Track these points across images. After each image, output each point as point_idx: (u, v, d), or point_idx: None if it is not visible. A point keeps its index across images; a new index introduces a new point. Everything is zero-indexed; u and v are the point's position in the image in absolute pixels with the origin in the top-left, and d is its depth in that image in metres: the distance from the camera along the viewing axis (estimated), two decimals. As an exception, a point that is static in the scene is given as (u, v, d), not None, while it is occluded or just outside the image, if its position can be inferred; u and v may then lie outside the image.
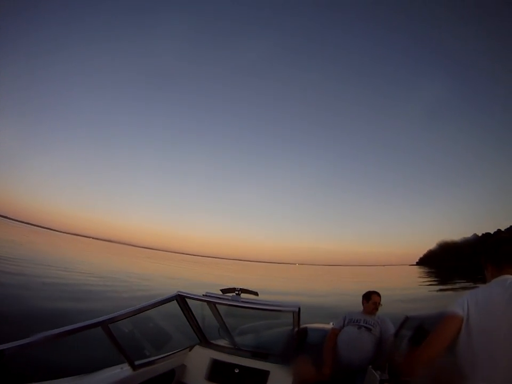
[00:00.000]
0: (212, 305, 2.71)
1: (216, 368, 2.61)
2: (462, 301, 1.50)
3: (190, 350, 2.78)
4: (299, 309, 2.32)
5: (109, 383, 2.14)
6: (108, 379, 2.18)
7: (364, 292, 3.91)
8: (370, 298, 3.77)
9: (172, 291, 2.57)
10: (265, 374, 2.49)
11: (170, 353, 2.65)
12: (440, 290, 28.59)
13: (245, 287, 2.54)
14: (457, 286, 30.66)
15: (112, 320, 2.20)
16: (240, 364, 2.57)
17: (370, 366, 2.55)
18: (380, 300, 3.79)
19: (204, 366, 2.62)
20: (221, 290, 2.63)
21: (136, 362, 2.30)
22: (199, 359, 2.68)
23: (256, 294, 2.58)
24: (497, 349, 1.34)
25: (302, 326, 3.67)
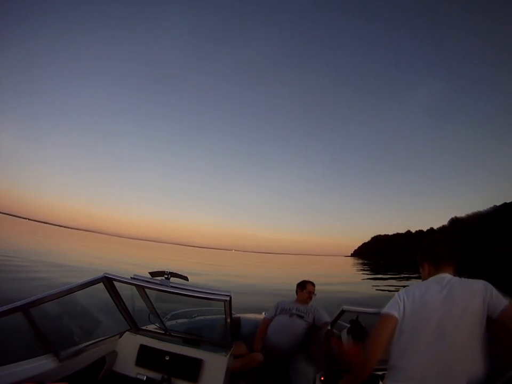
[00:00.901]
0: (141, 289, 2.52)
1: (147, 354, 2.49)
2: (398, 301, 1.65)
3: (120, 337, 2.66)
4: (230, 298, 2.18)
5: (30, 376, 1.92)
6: (28, 372, 1.94)
7: (298, 281, 4.24)
8: (305, 287, 4.09)
9: (100, 273, 2.40)
10: (199, 362, 2.39)
11: (99, 339, 2.49)
12: (373, 280, 29.17)
13: (175, 271, 2.38)
14: (388, 277, 32.07)
15: (34, 303, 2.02)
16: (171, 351, 2.46)
17: (303, 353, 2.84)
18: (314, 289, 4.12)
19: (134, 352, 2.52)
20: (150, 273, 2.42)
21: (62, 352, 2.15)
22: (129, 346, 2.58)
23: (186, 278, 2.41)
24: (422, 344, 1.51)
25: (235, 315, 4.04)
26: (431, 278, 1.74)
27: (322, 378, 2.36)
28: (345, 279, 29.16)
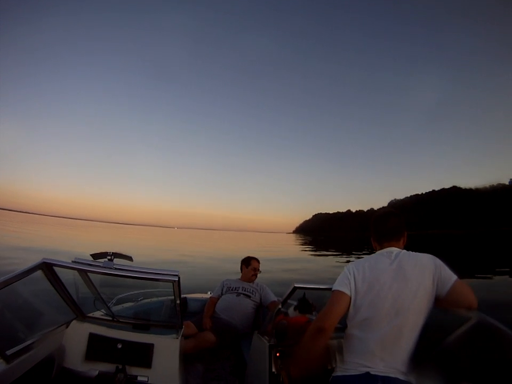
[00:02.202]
0: (83, 273, 2.43)
1: (97, 343, 2.39)
2: (348, 276, 1.70)
3: (66, 327, 2.51)
4: (179, 278, 2.13)
5: None
6: None
7: (242, 258, 4.28)
8: (250, 264, 4.10)
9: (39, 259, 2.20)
10: (149, 347, 2.35)
11: (46, 331, 2.33)
12: (317, 257, 29.97)
13: (118, 252, 2.30)
14: (331, 253, 32.76)
15: None
16: (121, 338, 2.39)
17: (256, 331, 2.69)
18: (259, 266, 4.16)
19: (84, 343, 2.41)
20: (92, 255, 2.33)
21: (8, 352, 1.97)
22: (77, 336, 2.45)
23: (130, 259, 2.35)
24: (381, 320, 1.57)
25: (182, 295, 3.40)
26: (379, 251, 1.80)
27: (278, 354, 2.31)
28: (289, 256, 29.39)
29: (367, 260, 1.77)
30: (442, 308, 1.65)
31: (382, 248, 1.81)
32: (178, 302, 2.38)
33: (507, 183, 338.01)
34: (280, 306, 2.63)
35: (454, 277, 1.61)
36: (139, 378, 2.28)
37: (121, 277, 2.19)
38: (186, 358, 2.89)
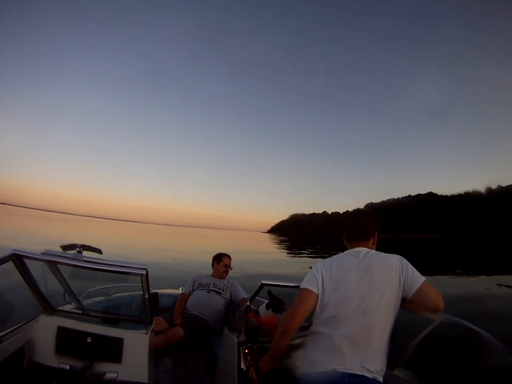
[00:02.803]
0: (53, 265, 2.40)
1: (66, 337, 2.38)
2: (316, 274, 1.74)
3: (36, 321, 2.49)
4: (147, 271, 2.15)
5: None
6: None
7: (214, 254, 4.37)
8: (221, 260, 4.18)
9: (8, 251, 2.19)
10: (119, 341, 2.35)
11: (15, 327, 2.33)
12: (290, 255, 30.48)
13: (87, 244, 2.32)
14: (305, 253, 32.69)
15: None
16: (91, 331, 2.38)
17: (226, 328, 2.75)
18: (231, 263, 4.26)
19: (53, 337, 2.40)
20: (61, 247, 2.32)
21: None
22: (46, 330, 2.43)
23: (99, 251, 2.37)
24: (348, 318, 1.61)
25: (152, 291, 4.19)
26: (347, 251, 1.85)
27: (246, 350, 2.38)
28: (262, 254, 30.18)
29: (335, 260, 1.81)
30: (409, 309, 1.70)
31: (351, 248, 1.86)
32: (147, 296, 2.33)
33: (483, 191, 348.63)
34: (248, 303, 2.65)
35: (422, 279, 1.67)
36: (108, 374, 2.27)
37: (90, 269, 2.17)
38: (157, 353, 2.95)
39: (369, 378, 1.52)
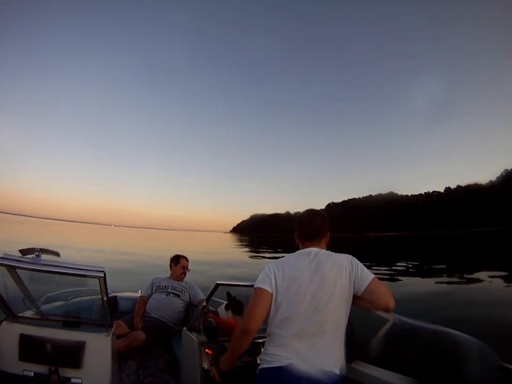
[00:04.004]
0: (12, 270, 2.40)
1: (28, 344, 2.37)
2: (269, 274, 1.80)
3: None
4: (104, 274, 2.20)
5: None
6: None
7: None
8: (179, 262, 4.25)
9: None
10: (81, 344, 2.35)
11: None
12: (251, 255, 31.64)
13: (46, 247, 2.33)
14: (267, 254, 33.47)
15: None
16: (52, 337, 2.36)
17: (185, 328, 2.79)
18: (188, 264, 4.32)
19: (15, 344, 2.38)
20: (20, 251, 2.35)
21: None
22: (8, 338, 2.42)
23: (57, 254, 2.42)
24: (299, 317, 1.69)
25: (112, 295, 4.32)
26: (299, 251, 1.94)
27: (206, 350, 2.45)
28: (223, 255, 30.79)
29: (287, 259, 1.89)
30: (361, 306, 1.82)
31: (304, 247, 1.94)
32: (105, 299, 2.37)
33: (442, 190, 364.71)
34: (204, 303, 2.74)
35: (371, 276, 1.78)
36: (73, 380, 2.26)
37: (48, 272, 2.16)
38: (120, 357, 3.03)
39: (325, 370, 1.61)
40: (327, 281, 1.71)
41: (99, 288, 2.28)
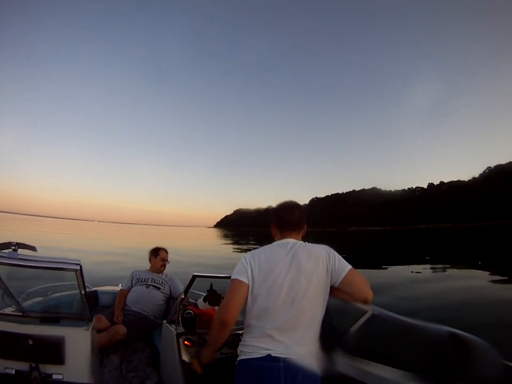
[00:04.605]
0: None
1: (9, 342, 2.35)
2: (245, 265, 1.81)
3: None
4: (81, 267, 2.19)
5: None
6: None
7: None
8: (158, 254, 4.26)
9: None
10: (60, 339, 2.33)
11: None
12: (237, 250, 31.06)
13: (22, 242, 2.30)
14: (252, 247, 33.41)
15: None
16: (32, 333, 2.35)
17: (165, 321, 2.82)
18: (167, 256, 4.35)
19: None
20: None
21: None
22: None
23: (34, 249, 2.35)
24: (278, 309, 1.70)
25: (92, 289, 4.46)
26: (275, 242, 1.94)
27: (186, 342, 2.47)
28: (205, 249, 30.99)
29: (263, 251, 1.87)
30: (340, 298, 1.84)
31: (282, 238, 1.94)
32: (83, 292, 2.36)
33: (425, 186, 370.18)
34: (183, 296, 2.80)
35: (348, 267, 1.79)
36: (54, 376, 2.26)
37: (24, 267, 2.14)
38: (101, 352, 3.02)
39: (303, 360, 1.65)
40: (304, 273, 1.73)
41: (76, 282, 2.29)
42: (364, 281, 1.81)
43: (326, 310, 1.82)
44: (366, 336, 1.98)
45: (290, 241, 1.89)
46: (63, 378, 2.25)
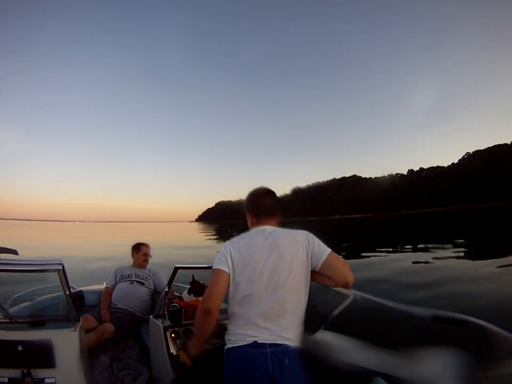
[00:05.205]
0: None
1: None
2: (225, 254, 1.84)
3: None
4: (63, 266, 2.20)
5: None
6: None
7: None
8: (140, 250, 4.29)
9: None
10: (49, 343, 2.31)
11: None
12: (218, 241, 31.70)
13: (3, 246, 2.41)
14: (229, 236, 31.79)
15: None
16: (21, 339, 2.33)
17: (151, 316, 2.81)
18: (149, 251, 4.38)
19: None
20: None
21: None
22: None
23: (15, 252, 2.47)
24: (260, 296, 1.73)
25: (77, 289, 4.46)
26: (253, 229, 1.96)
27: (173, 335, 2.47)
28: (187, 243, 30.53)
29: (242, 238, 1.91)
30: (321, 282, 1.87)
31: (260, 224, 1.97)
32: (68, 292, 2.34)
33: (405, 173, 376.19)
34: (166, 289, 2.79)
35: (328, 250, 1.82)
36: (47, 380, 2.23)
37: (5, 271, 2.13)
38: (91, 352, 3.03)
39: (289, 346, 1.70)
40: (284, 258, 1.76)
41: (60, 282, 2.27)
42: (345, 263, 1.82)
43: (309, 295, 1.86)
44: (348, 320, 2.03)
45: (268, 227, 1.92)
46: (55, 382, 2.24)
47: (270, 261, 1.76)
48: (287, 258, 1.76)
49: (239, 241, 1.88)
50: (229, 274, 1.79)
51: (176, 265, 2.63)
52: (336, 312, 2.02)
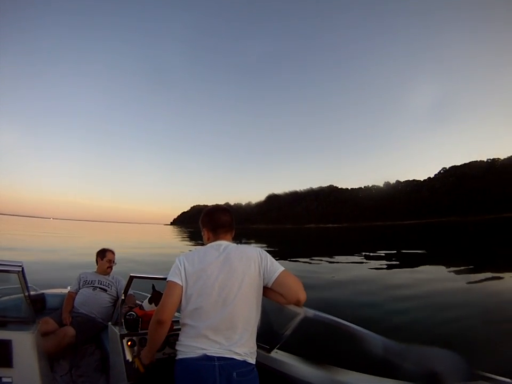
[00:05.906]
0: None
1: None
2: (179, 266, 1.88)
3: None
4: (23, 268, 2.23)
5: None
6: None
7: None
8: (105, 256, 4.22)
9: None
10: (8, 343, 2.31)
11: None
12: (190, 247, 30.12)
13: None
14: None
15: None
16: None
17: (110, 323, 2.84)
18: (115, 258, 4.31)
19: None
20: None
21: None
22: None
23: None
24: (210, 309, 1.78)
25: (39, 292, 4.42)
26: (209, 244, 2.03)
27: (129, 343, 2.50)
28: (160, 247, 30.57)
29: (197, 252, 1.96)
30: (274, 299, 1.93)
31: (216, 239, 2.03)
32: (26, 294, 2.36)
33: (382, 185, 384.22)
34: (123, 297, 2.86)
35: (281, 268, 1.90)
36: (4, 379, 2.22)
37: None
38: (51, 356, 3.02)
39: (238, 360, 1.71)
40: (235, 273, 1.82)
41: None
42: (297, 282, 1.88)
43: (262, 311, 1.90)
44: (299, 337, 2.08)
45: (223, 243, 1.98)
46: (12, 382, 2.20)
47: (221, 275, 1.81)
48: (239, 274, 1.81)
49: (193, 255, 1.92)
50: (182, 286, 1.83)
51: (131, 274, 2.66)
52: (288, 329, 2.06)
